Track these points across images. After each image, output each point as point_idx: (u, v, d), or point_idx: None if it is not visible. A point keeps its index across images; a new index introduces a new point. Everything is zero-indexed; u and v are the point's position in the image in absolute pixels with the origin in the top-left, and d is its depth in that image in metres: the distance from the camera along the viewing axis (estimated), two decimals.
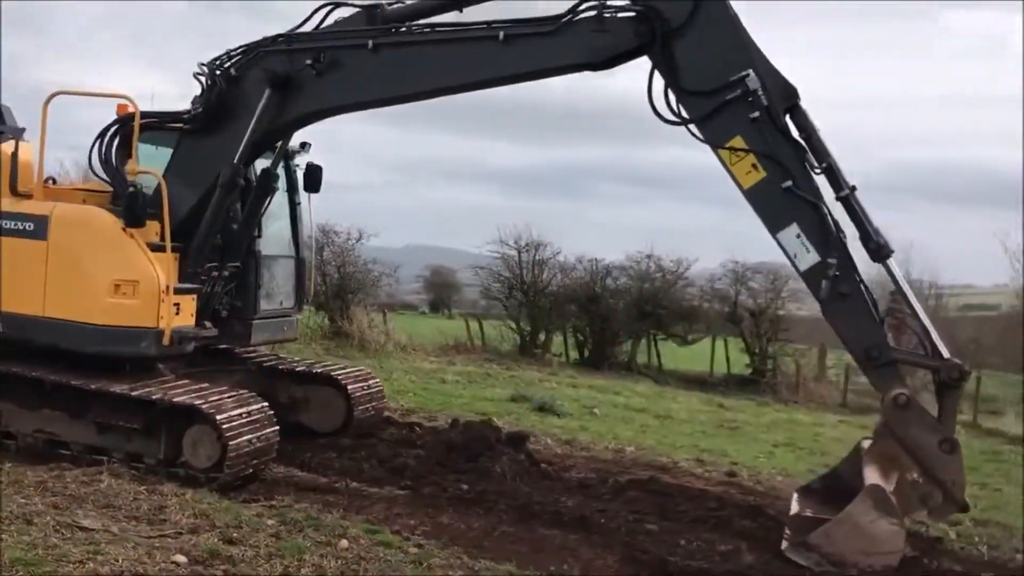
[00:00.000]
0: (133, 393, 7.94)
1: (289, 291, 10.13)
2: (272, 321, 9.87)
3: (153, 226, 8.41)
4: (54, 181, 9.33)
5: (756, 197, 7.56)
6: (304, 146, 10.25)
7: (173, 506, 6.95)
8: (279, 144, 9.63)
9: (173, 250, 8.42)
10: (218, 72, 8.85)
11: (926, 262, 42.06)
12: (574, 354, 25.01)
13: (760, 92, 7.39)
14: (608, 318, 24.34)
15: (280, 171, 9.93)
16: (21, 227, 8.36)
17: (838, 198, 7.58)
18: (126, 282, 8.09)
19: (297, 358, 11.41)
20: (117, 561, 5.61)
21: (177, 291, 8.32)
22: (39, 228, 8.31)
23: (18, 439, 8.42)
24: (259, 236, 9.76)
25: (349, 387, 10.09)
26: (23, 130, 8.64)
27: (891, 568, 6.73)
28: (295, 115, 8.86)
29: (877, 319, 7.42)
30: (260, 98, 8.64)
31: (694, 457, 11.75)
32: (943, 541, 8.22)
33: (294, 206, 10.33)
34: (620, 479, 9.37)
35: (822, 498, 7.85)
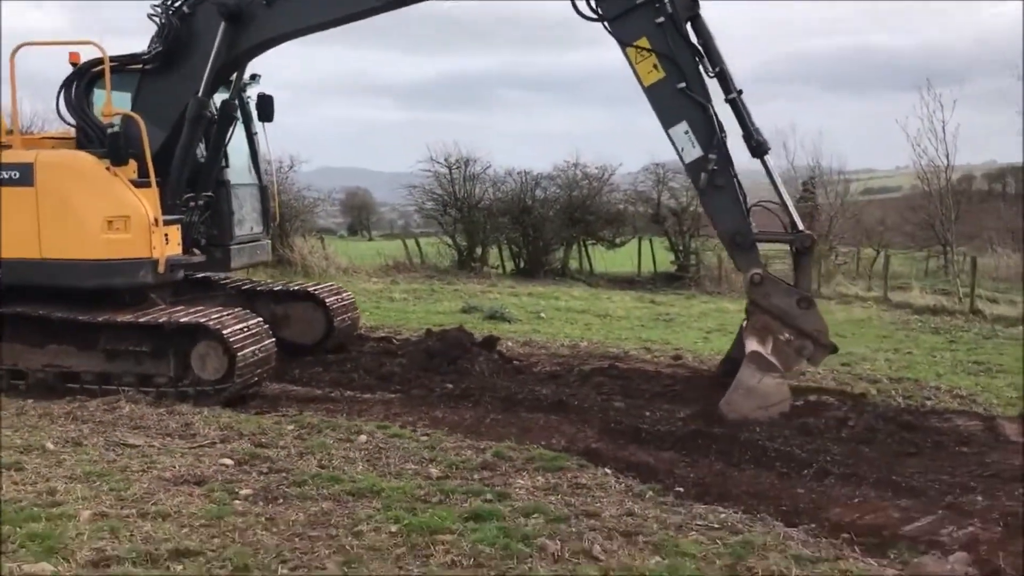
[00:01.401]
0: (141, 320, 8.58)
1: (257, 217, 10.76)
2: (246, 246, 10.52)
3: (131, 164, 8.92)
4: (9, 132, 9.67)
5: (654, 94, 8.61)
6: (254, 78, 10.75)
7: (198, 422, 7.70)
8: (235, 75, 10.13)
9: (149, 185, 8.92)
10: (171, 11, 9.37)
11: (834, 150, 44.11)
12: (510, 265, 25.90)
13: (667, 0, 8.40)
14: (540, 228, 25.20)
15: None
16: (6, 176, 8.76)
17: (727, 100, 8.67)
18: (117, 218, 8.64)
19: (271, 280, 12.04)
20: (174, 467, 6.39)
21: (164, 223, 8.90)
22: (25, 175, 8.73)
23: (28, 376, 8.97)
24: (227, 166, 10.34)
25: (326, 300, 10.84)
26: None
27: (785, 414, 7.95)
28: (249, 45, 9.49)
29: (744, 210, 8.62)
30: (214, 32, 9.24)
31: (641, 346, 12.89)
32: (866, 396, 9.49)
33: (251, 136, 10.88)
34: (583, 368, 10.42)
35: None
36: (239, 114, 10.45)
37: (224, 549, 4.91)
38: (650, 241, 27.58)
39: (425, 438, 7.43)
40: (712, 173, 8.41)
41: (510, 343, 12.61)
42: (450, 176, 25.44)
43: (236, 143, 10.66)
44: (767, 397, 7.93)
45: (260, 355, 8.68)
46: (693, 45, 8.56)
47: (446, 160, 25.42)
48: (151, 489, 5.90)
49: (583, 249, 26.99)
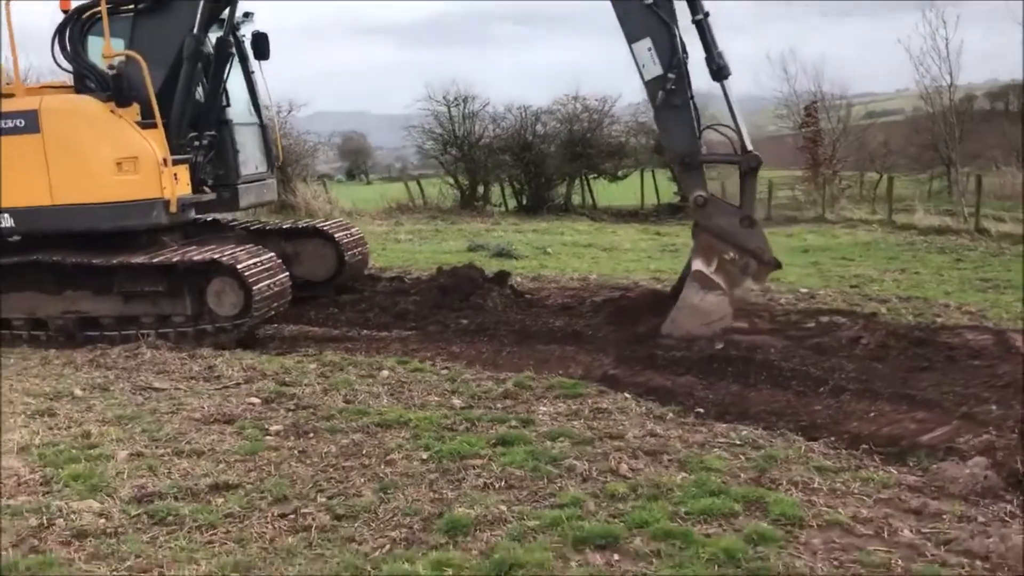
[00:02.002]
0: (155, 260, 8.66)
1: (260, 156, 10.76)
2: (253, 185, 10.54)
3: (133, 107, 8.90)
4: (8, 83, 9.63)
5: (622, 7, 8.54)
6: (247, 16, 10.64)
7: (221, 365, 7.82)
8: (227, 11, 10.03)
9: (154, 127, 8.93)
10: None
11: (836, 74, 43.54)
12: (513, 203, 25.88)
13: None
14: (541, 164, 25.11)
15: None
16: (12, 124, 8.75)
17: (693, 21, 8.64)
18: (126, 159, 8.66)
19: (279, 220, 12.07)
20: (203, 408, 6.52)
21: (172, 163, 8.92)
22: (30, 123, 8.73)
23: (48, 324, 9.08)
24: (228, 105, 10.30)
25: (336, 235, 10.88)
26: None
27: (727, 330, 8.21)
28: None
29: (696, 132, 8.66)
30: None
31: (650, 276, 12.96)
32: (877, 315, 9.59)
33: (248, 75, 10.80)
34: (595, 299, 10.51)
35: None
36: (235, 51, 10.39)
37: (262, 481, 5.05)
38: (652, 173, 27.47)
39: (445, 371, 7.56)
40: (669, 92, 8.45)
41: (519, 279, 12.68)
42: (449, 114, 25.28)
43: (235, 83, 10.62)
44: (709, 314, 8.25)
45: (275, 288, 8.78)
46: None
47: (444, 98, 25.24)
48: (182, 429, 6.04)
49: (585, 183, 26.92)
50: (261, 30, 10.61)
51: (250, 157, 10.54)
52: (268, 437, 5.87)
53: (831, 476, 4.99)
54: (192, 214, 9.30)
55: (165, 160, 8.76)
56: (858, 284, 12.01)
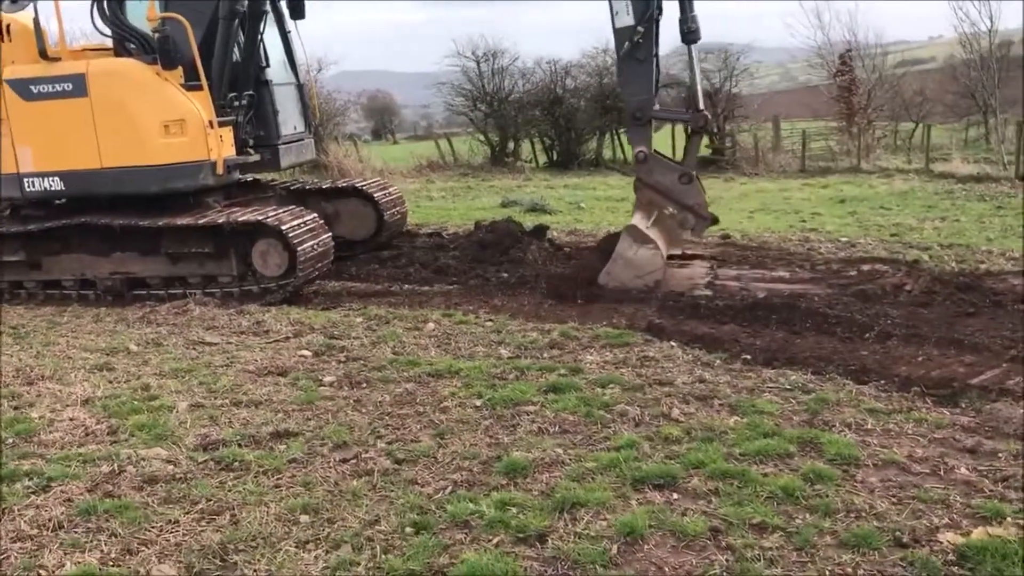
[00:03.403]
0: (201, 221, 8.77)
1: (298, 116, 10.80)
2: (292, 145, 10.60)
3: (178, 69, 8.96)
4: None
5: None
6: None
7: (269, 320, 7.95)
8: None
9: (198, 88, 8.98)
10: None
11: (870, 22, 42.63)
12: (543, 158, 25.75)
13: None
14: (572, 118, 24.90)
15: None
16: (60, 88, 8.85)
17: None
18: (173, 122, 8.75)
19: (317, 180, 12.13)
20: (256, 361, 6.65)
21: (219, 124, 9.00)
22: (78, 86, 8.81)
23: (97, 284, 9.26)
24: (267, 66, 10.33)
25: (375, 195, 10.96)
26: None
27: (659, 283, 8.45)
28: None
29: (653, 89, 8.78)
30: None
31: None
32: (919, 262, 9.54)
33: (285, 34, 10.80)
34: None
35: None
36: (270, 10, 10.39)
37: (320, 429, 5.17)
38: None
39: (490, 323, 7.63)
40: (635, 45, 8.60)
41: (554, 232, 12.70)
42: (478, 70, 25.10)
43: (271, 42, 10.63)
44: (642, 267, 8.46)
45: (319, 249, 8.88)
46: None
47: (473, 54, 25.05)
48: (238, 381, 6.17)
49: (616, 138, 26.69)
50: None
51: (289, 117, 10.59)
52: (322, 388, 5.98)
53: (883, 417, 5.02)
54: (237, 175, 9.38)
55: (211, 122, 8.83)
56: (898, 232, 11.92)
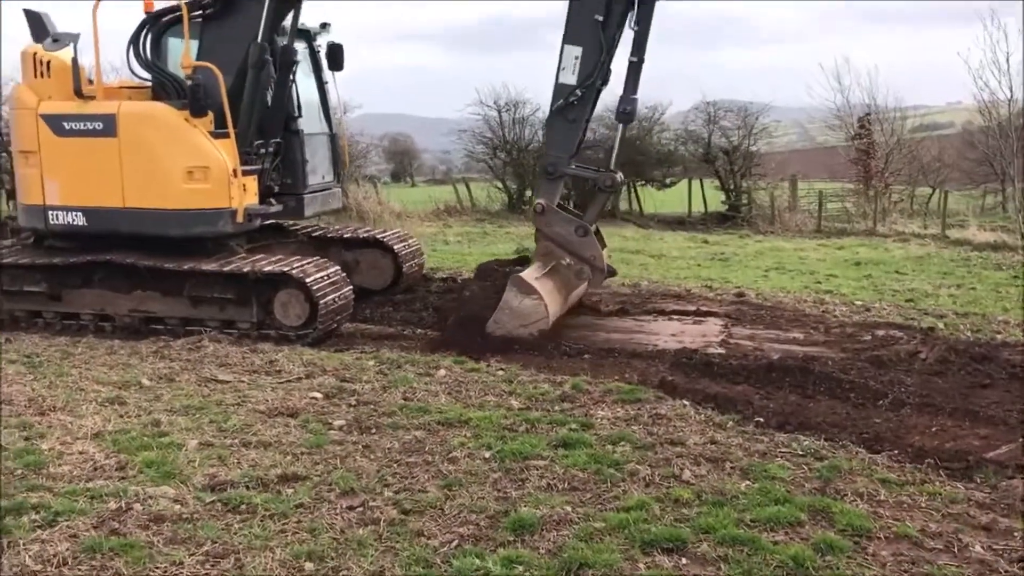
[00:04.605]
0: (226, 268, 8.83)
1: (328, 165, 10.91)
2: (319, 194, 10.69)
3: (208, 115, 9.07)
4: (90, 82, 9.86)
5: (575, 8, 8.88)
6: (324, 26, 10.80)
7: (282, 360, 7.96)
8: (291, 17, 10.10)
9: (225, 136, 9.10)
10: None
11: (890, 86, 43.02)
12: None
13: None
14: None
15: (303, 51, 10.54)
16: (91, 127, 9.00)
17: (629, 59, 8.98)
18: (198, 168, 8.86)
19: (339, 227, 12.23)
20: (267, 401, 6.65)
21: (243, 173, 9.09)
22: (108, 126, 8.97)
23: (115, 319, 9.31)
24: (299, 116, 10.43)
25: (395, 247, 11.02)
26: (78, 35, 9.13)
27: (544, 332, 8.60)
28: None
29: (573, 149, 9.15)
30: None
31: (701, 284, 12.93)
32: (935, 330, 9.49)
33: (322, 85, 10.96)
34: (650, 306, 10.51)
35: None
36: (300, 59, 10.53)
37: (329, 474, 5.15)
38: (700, 181, 27.31)
39: (501, 372, 7.62)
40: (569, 105, 8.92)
41: None
42: (500, 119, 25.35)
43: (307, 91, 10.77)
44: (527, 316, 8.64)
45: (340, 302, 8.93)
46: None
47: (495, 103, 25.31)
48: (248, 421, 6.17)
49: (633, 190, 26.83)
50: (337, 40, 10.77)
51: (318, 166, 10.69)
52: (332, 431, 5.97)
53: (896, 489, 4.97)
54: (259, 223, 9.44)
55: (235, 170, 8.93)
56: (913, 298, 11.87)
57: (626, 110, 9.03)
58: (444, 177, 42.93)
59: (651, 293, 11.91)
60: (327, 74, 10.94)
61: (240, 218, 8.99)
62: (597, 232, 9.61)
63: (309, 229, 11.37)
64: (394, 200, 24.28)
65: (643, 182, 26.68)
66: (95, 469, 5.22)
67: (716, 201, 26.88)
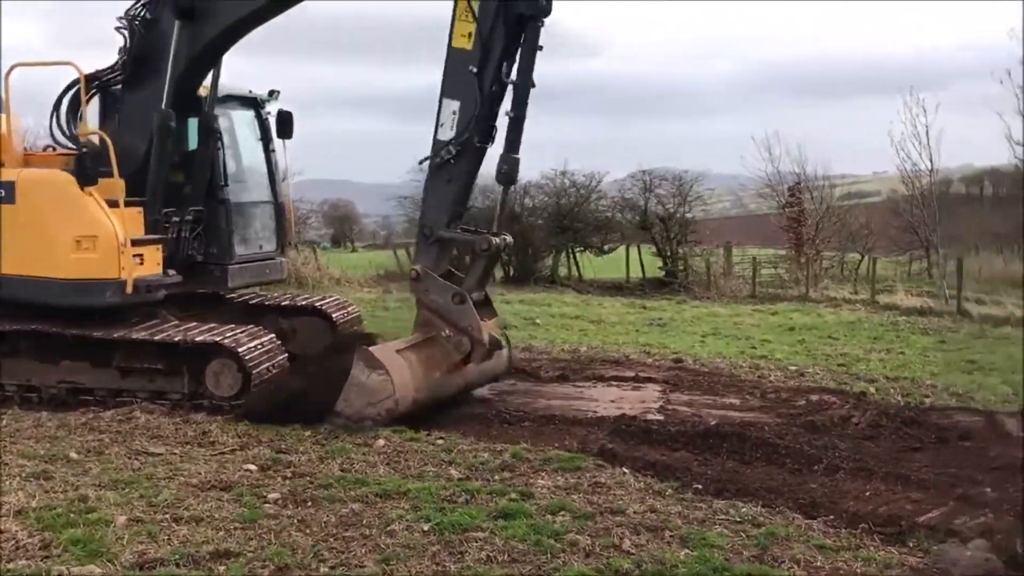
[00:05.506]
0: (156, 337, 8.64)
1: (269, 235, 10.79)
2: (252, 265, 10.51)
3: (118, 183, 8.93)
4: (54, 149, 9.73)
5: (452, 59, 8.54)
6: (272, 94, 10.81)
7: (215, 430, 7.79)
8: (211, 83, 9.95)
9: (138, 204, 8.97)
10: (136, 20, 9.29)
11: (818, 156, 44.51)
12: (500, 273, 25.99)
13: None
14: (529, 236, 25.31)
15: (250, 119, 10.55)
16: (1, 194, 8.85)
17: (508, 114, 8.56)
18: (86, 237, 8.66)
19: (277, 294, 12.07)
20: (199, 474, 6.48)
21: (137, 242, 8.88)
22: (8, 193, 8.82)
23: (41, 391, 9.02)
24: (225, 184, 10.29)
25: (333, 314, 10.91)
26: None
27: (394, 412, 7.92)
28: (206, 40, 9.20)
29: (450, 212, 8.67)
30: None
31: (640, 350, 13.08)
32: (866, 394, 9.70)
33: (268, 153, 10.91)
34: (589, 372, 10.57)
35: None
36: (253, 133, 10.52)
37: (262, 550, 5.02)
38: (638, 248, 27.78)
39: (441, 441, 7.54)
40: (447, 163, 8.52)
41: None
42: None
43: (252, 159, 10.72)
44: (375, 393, 7.94)
45: (274, 372, 8.76)
46: (514, 42, 8.42)
47: None
48: (180, 495, 6.00)
49: (572, 256, 27.15)
50: (286, 109, 10.71)
51: (253, 236, 10.52)
52: (267, 505, 5.83)
53: (832, 555, 5.03)
54: (159, 295, 9.14)
55: (125, 240, 8.68)
56: (845, 363, 12.16)
57: (503, 170, 8.54)
58: (384, 242, 42.97)
59: (590, 359, 12.01)
60: (276, 142, 10.89)
61: (129, 289, 8.71)
62: (487, 300, 9.06)
63: (246, 297, 11.20)
64: (333, 266, 24.23)
65: (582, 248, 27.04)
66: (16, 548, 5.00)
67: (653, 267, 27.33)
